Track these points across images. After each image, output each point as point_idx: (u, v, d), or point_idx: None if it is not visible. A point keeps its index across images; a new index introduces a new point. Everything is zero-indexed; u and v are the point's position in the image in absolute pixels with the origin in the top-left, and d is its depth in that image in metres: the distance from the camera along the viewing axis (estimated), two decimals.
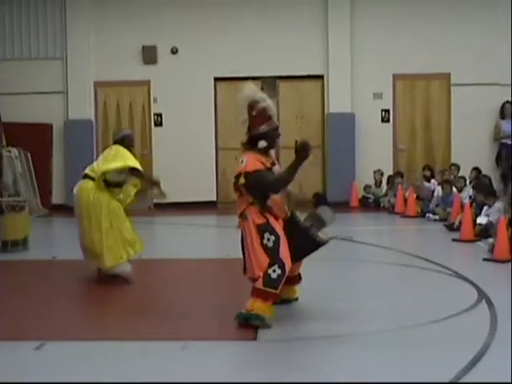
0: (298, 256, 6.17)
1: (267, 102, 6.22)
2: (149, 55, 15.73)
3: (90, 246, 7.87)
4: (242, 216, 6.11)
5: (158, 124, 15.96)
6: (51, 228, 13.99)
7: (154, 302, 7.23)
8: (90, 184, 7.89)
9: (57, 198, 15.76)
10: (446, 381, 4.56)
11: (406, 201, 13.93)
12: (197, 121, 15.73)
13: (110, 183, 7.92)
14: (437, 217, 12.77)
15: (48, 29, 15.79)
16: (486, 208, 10.72)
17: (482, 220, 10.55)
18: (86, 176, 7.96)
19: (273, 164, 6.25)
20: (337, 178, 15.52)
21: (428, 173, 14.28)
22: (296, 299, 6.69)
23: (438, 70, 15.60)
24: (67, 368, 5.06)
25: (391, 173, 15.42)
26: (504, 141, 15.16)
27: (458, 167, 14.18)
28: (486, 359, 5.01)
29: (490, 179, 12.51)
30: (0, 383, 4.63)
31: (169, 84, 15.72)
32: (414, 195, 13.72)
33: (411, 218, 13.30)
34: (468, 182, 13.28)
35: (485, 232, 10.23)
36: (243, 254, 6.21)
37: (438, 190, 13.27)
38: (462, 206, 11.50)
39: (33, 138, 15.12)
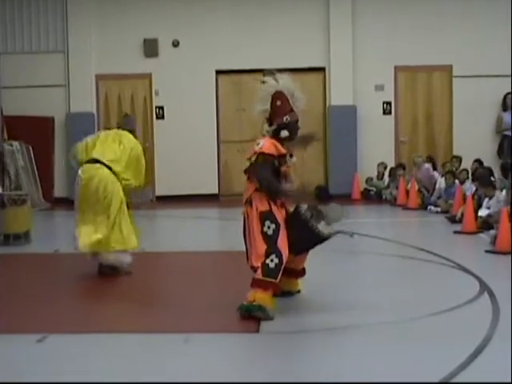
0: (298, 249, 6.18)
1: (297, 94, 6.30)
2: (150, 48, 15.71)
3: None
4: (248, 202, 6.15)
5: (160, 117, 15.96)
6: (53, 221, 14.00)
7: (156, 295, 7.24)
8: (106, 171, 7.82)
9: (59, 191, 15.76)
10: (449, 372, 4.56)
11: (407, 193, 13.93)
12: (198, 114, 15.72)
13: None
14: (439, 209, 12.77)
15: (49, 22, 15.77)
16: (486, 200, 10.72)
17: (482, 213, 10.54)
18: (96, 161, 7.89)
19: (290, 155, 6.30)
20: (339, 171, 15.52)
21: (420, 158, 14.30)
22: (298, 291, 6.70)
23: (440, 61, 15.58)
24: (69, 361, 5.07)
25: (393, 165, 15.41)
26: (506, 133, 15.15)
27: (459, 159, 14.16)
28: (488, 351, 5.01)
29: (491, 171, 12.48)
30: (0, 383, 4.64)
31: (170, 77, 15.71)
32: (416, 186, 13.73)
33: (413, 211, 13.30)
34: (470, 173, 13.27)
35: (487, 224, 10.22)
36: (245, 242, 6.23)
37: (441, 182, 13.26)
38: (464, 198, 11.49)
39: (34, 132, 15.12)
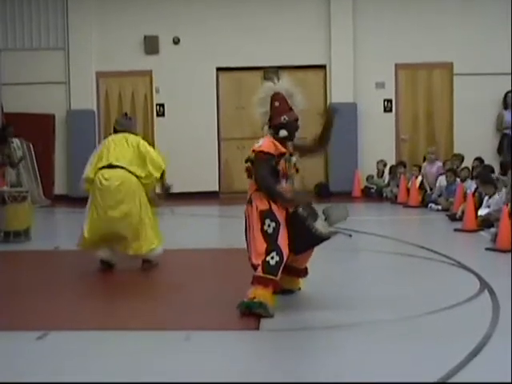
0: (298, 248, 6.19)
1: (295, 95, 6.34)
2: (151, 45, 15.71)
3: (124, 233, 7.86)
4: (249, 201, 6.19)
5: (161, 114, 15.96)
6: (53, 218, 14.02)
7: (156, 292, 7.24)
8: (134, 179, 7.91)
9: (59, 188, 15.78)
10: (449, 369, 4.56)
11: (408, 191, 13.93)
12: (199, 111, 15.72)
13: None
14: (439, 207, 12.77)
15: (50, 19, 15.77)
16: (486, 198, 10.72)
17: (482, 212, 10.54)
18: (118, 167, 7.89)
19: (290, 154, 6.31)
20: (339, 168, 15.52)
21: (433, 156, 14.31)
22: (299, 289, 6.71)
23: (441, 59, 15.58)
24: (69, 358, 5.06)
25: (394, 163, 15.41)
26: (506, 131, 15.15)
27: (461, 157, 14.15)
28: (488, 349, 5.01)
29: (492, 169, 12.49)
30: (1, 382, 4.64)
31: (171, 74, 15.71)
32: (417, 182, 13.73)
33: (414, 208, 13.31)
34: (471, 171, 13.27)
35: (487, 222, 10.22)
36: (247, 240, 6.24)
37: (441, 180, 13.26)
38: (465, 196, 11.49)
39: (35, 129, 15.14)
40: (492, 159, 14.46)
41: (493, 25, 15.31)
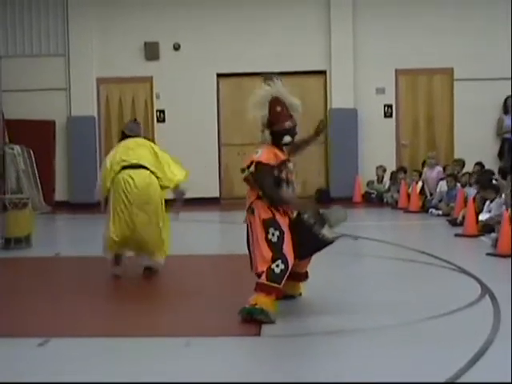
0: (303, 254, 6.18)
1: (291, 100, 6.30)
2: (151, 51, 15.74)
3: (141, 239, 7.83)
4: (250, 210, 6.14)
5: (161, 120, 15.98)
6: (54, 225, 14.00)
7: (156, 298, 7.23)
8: (155, 180, 7.87)
9: (60, 194, 15.79)
10: (451, 375, 4.56)
11: (409, 196, 13.93)
12: (199, 117, 15.74)
13: None
14: (440, 212, 12.77)
15: (50, 25, 15.80)
16: (487, 203, 10.71)
17: (483, 217, 10.53)
18: (142, 167, 7.84)
19: (288, 160, 6.29)
20: (340, 174, 15.52)
21: (433, 160, 14.31)
22: (300, 294, 6.70)
23: (441, 64, 15.60)
24: (70, 365, 5.06)
25: (394, 168, 15.41)
26: (506, 136, 15.16)
27: (462, 162, 14.15)
28: (490, 354, 5.01)
29: (492, 174, 12.48)
30: (1, 383, 4.63)
31: (171, 80, 15.73)
32: (418, 187, 13.73)
33: (414, 214, 13.31)
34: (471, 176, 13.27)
35: (488, 227, 10.22)
36: (249, 249, 6.22)
37: (442, 185, 13.26)
38: (466, 201, 11.48)
39: (35, 135, 15.14)
40: (492, 164, 14.46)
41: (493, 30, 15.33)
